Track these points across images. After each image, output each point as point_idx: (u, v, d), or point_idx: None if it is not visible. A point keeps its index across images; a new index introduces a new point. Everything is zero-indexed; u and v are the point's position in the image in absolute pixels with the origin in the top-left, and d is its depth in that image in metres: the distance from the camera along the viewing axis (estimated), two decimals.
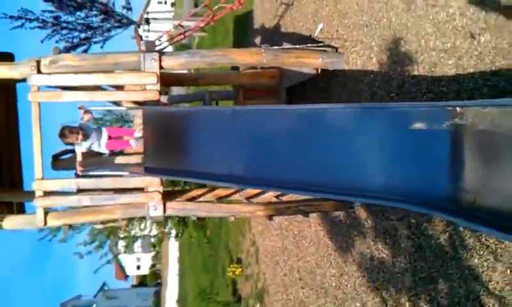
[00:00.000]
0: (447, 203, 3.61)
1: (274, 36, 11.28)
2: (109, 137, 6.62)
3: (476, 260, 4.46)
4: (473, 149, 3.56)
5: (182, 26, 10.48)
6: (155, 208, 6.43)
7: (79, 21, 17.14)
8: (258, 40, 13.59)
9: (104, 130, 6.68)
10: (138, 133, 6.79)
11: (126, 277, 78.37)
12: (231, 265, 14.90)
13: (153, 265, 75.14)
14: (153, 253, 73.37)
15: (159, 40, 8.08)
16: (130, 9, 19.37)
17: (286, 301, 10.03)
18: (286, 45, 9.80)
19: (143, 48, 6.50)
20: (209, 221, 19.68)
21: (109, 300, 65.93)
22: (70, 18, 17.05)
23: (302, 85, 8.28)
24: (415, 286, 5.43)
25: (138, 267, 78.01)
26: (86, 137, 6.30)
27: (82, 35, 17.15)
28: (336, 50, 7.22)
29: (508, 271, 4.10)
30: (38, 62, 6.19)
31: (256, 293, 12.56)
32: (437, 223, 5.06)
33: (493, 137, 3.37)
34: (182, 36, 8.93)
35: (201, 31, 20.74)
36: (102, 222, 7.39)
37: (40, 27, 16.09)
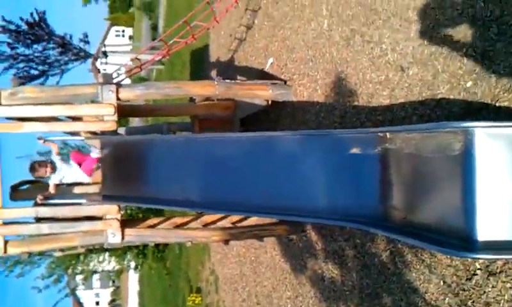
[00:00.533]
0: (380, 220, 4.01)
1: (228, 69, 11.72)
2: (79, 164, 6.84)
3: (414, 274, 4.85)
4: (402, 171, 3.99)
5: (138, 59, 10.79)
6: (114, 235, 6.62)
7: (36, 54, 17.27)
8: (213, 73, 14.00)
9: (70, 160, 6.89)
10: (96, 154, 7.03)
11: None
12: (191, 295, 15.01)
13: (112, 300, 73.58)
14: (112, 288, 72.04)
15: (117, 73, 8.34)
16: (87, 42, 19.61)
17: None
18: (239, 78, 10.25)
19: (101, 80, 6.78)
20: (169, 252, 19.78)
21: None
22: (27, 51, 17.15)
23: (255, 115, 8.67)
24: (362, 302, 5.79)
25: (97, 303, 76.19)
26: (54, 170, 6.55)
27: (40, 68, 17.25)
28: (285, 83, 7.67)
29: (441, 282, 4.49)
30: None
31: None
32: (379, 242, 5.46)
33: (417, 159, 3.79)
34: (139, 69, 9.21)
35: (159, 63, 21.08)
36: (61, 250, 7.50)
37: None
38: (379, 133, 4.12)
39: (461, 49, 4.16)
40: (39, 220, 6.76)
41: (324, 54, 6.63)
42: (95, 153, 7.02)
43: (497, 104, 3.77)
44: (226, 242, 7.23)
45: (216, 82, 7.10)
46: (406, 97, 4.93)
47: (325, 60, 6.62)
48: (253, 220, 7.46)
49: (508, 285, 3.69)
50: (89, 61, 19.02)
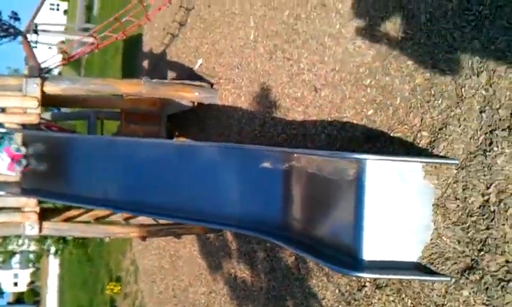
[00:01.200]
0: (281, 231, 4.36)
1: (160, 63, 11.80)
2: (13, 159, 6.74)
3: (314, 281, 5.24)
4: (305, 188, 4.33)
5: (66, 53, 10.68)
6: (32, 228, 6.65)
7: None
8: (145, 63, 14.04)
9: (2, 152, 6.77)
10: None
11: (2, 294, 73.77)
12: (110, 283, 15.03)
13: (31, 282, 71.48)
14: (32, 270, 69.90)
15: (45, 61, 8.25)
16: (17, 19, 18.95)
17: None
18: (170, 73, 10.38)
19: (26, 72, 6.76)
20: (90, 240, 19.57)
21: None
22: None
23: (182, 113, 8.86)
24: (268, 303, 6.15)
25: (15, 284, 73.71)
26: None
27: None
28: (212, 86, 7.90)
29: (337, 290, 4.89)
30: None
31: None
32: (287, 249, 5.81)
33: (318, 179, 4.14)
34: (66, 61, 9.17)
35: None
36: None
37: None
38: (289, 153, 4.45)
39: (365, 79, 4.54)
40: None
41: (249, 63, 6.90)
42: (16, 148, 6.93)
43: (392, 134, 4.17)
44: (144, 238, 7.40)
45: (143, 82, 7.23)
46: (317, 115, 5.28)
47: (250, 69, 6.89)
48: None
49: (391, 298, 4.11)
50: (19, 38, 18.38)
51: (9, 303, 74.96)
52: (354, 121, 4.68)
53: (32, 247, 20.18)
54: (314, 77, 5.38)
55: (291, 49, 5.87)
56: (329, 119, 5.08)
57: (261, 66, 6.57)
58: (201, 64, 8.68)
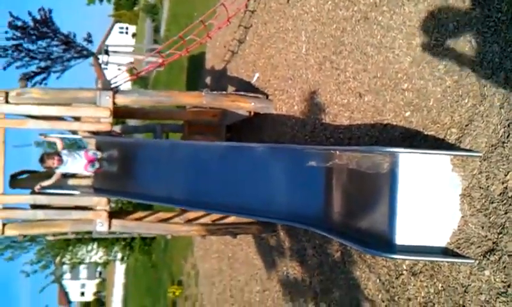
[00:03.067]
0: (325, 223, 4.82)
1: (221, 78, 12.51)
2: (89, 161, 7.52)
3: (358, 272, 5.64)
4: (346, 183, 4.78)
5: (135, 68, 11.56)
6: (102, 225, 7.38)
7: (40, 50, 17.90)
8: (208, 80, 14.81)
9: (82, 155, 7.55)
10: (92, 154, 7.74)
11: (69, 303, 76.82)
12: (172, 287, 15.77)
13: (97, 292, 74.09)
14: (98, 280, 72.47)
15: (115, 78, 9.07)
16: (91, 41, 20.28)
17: None
18: (230, 87, 11.05)
19: (100, 86, 7.54)
20: (155, 247, 20.51)
21: None
22: (31, 47, 17.79)
23: (240, 123, 9.48)
24: (316, 296, 6.58)
25: (82, 294, 76.67)
26: (61, 162, 7.25)
27: (42, 64, 17.88)
28: (267, 97, 8.46)
29: (377, 280, 5.27)
30: (7, 94, 7.09)
31: None
32: (333, 244, 6.24)
33: (357, 174, 4.59)
34: (135, 77, 9.99)
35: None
36: (53, 235, 8.24)
37: (0, 56, 16.75)
38: (331, 151, 4.93)
39: (403, 84, 4.95)
40: (35, 207, 7.50)
41: (301, 74, 7.42)
42: (93, 152, 7.69)
43: (426, 132, 4.57)
44: (203, 236, 7.99)
45: (203, 93, 7.88)
46: (361, 120, 5.72)
47: (302, 80, 7.40)
48: (231, 219, 8.21)
49: (424, 283, 4.48)
50: (91, 59, 19.64)
51: None
52: (394, 123, 5.09)
53: (100, 254, 21.22)
54: (359, 85, 5.82)
55: (338, 60, 6.35)
56: (371, 122, 5.51)
57: (312, 76, 7.07)
58: (258, 77, 9.27)
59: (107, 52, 22.91)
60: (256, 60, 9.56)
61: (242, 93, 8.52)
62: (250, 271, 9.28)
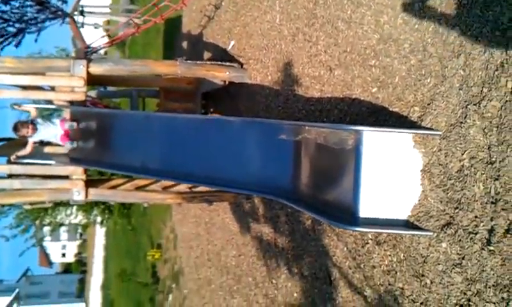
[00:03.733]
0: (293, 195, 5.00)
1: (197, 43, 12.48)
2: (65, 134, 7.57)
3: (327, 240, 5.86)
4: (314, 157, 4.95)
5: (109, 36, 11.47)
6: (79, 194, 7.48)
7: (13, 11, 17.52)
8: (184, 44, 14.74)
9: (57, 123, 7.59)
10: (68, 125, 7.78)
11: (50, 264, 77.35)
12: (151, 250, 16.03)
13: (78, 253, 74.56)
14: (79, 241, 72.82)
15: (93, 43, 9.04)
16: (65, 1, 19.88)
17: (197, 280, 11.31)
18: (205, 53, 11.05)
19: (74, 55, 7.53)
20: (134, 210, 20.66)
21: (32, 286, 64.73)
22: (4, 8, 17.40)
23: (215, 91, 9.55)
24: (288, 262, 6.82)
25: (63, 255, 77.16)
26: (35, 130, 7.30)
27: (17, 25, 17.52)
28: (242, 66, 8.52)
29: (345, 248, 5.49)
30: None
31: (172, 274, 13.78)
32: (304, 213, 6.44)
33: (325, 149, 4.75)
34: (110, 44, 9.94)
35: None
36: (31, 204, 8.32)
37: None
38: (301, 126, 5.08)
39: (371, 60, 5.08)
40: (11, 176, 7.56)
41: (275, 44, 7.48)
42: (69, 125, 7.72)
43: (391, 109, 4.72)
44: (179, 204, 8.15)
45: (178, 63, 7.91)
46: (331, 93, 5.85)
47: (276, 50, 7.47)
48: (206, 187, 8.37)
49: (388, 253, 4.70)
50: (67, 19, 19.29)
51: (57, 273, 78.49)
52: (362, 98, 5.23)
53: (79, 218, 21.32)
54: (329, 58, 5.94)
55: (310, 32, 6.43)
56: (341, 96, 5.64)
57: (285, 47, 7.15)
58: (233, 45, 9.29)
59: (82, 13, 22.54)
60: (232, 27, 9.57)
61: (217, 62, 8.57)
62: (226, 236, 9.50)
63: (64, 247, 76.81)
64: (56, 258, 77.82)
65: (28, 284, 65.07)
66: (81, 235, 71.26)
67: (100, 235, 42.09)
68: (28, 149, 7.40)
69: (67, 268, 79.19)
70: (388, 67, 4.79)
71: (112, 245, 33.08)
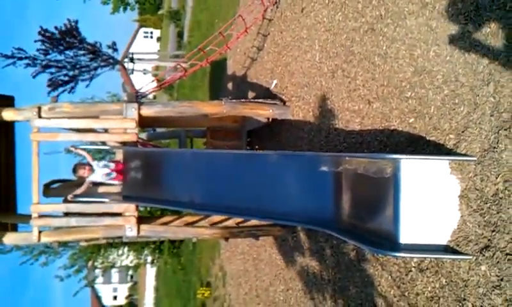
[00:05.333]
0: (336, 225, 5.17)
1: (241, 84, 12.92)
2: (117, 171, 8.03)
3: (371, 270, 5.96)
4: (355, 187, 5.12)
5: (158, 80, 12.08)
6: (131, 230, 7.82)
7: (67, 60, 18.57)
8: (229, 85, 15.24)
9: (110, 164, 8.08)
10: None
11: None
12: (200, 288, 16.24)
13: (129, 295, 75.31)
14: (130, 283, 73.66)
15: (142, 88, 9.56)
16: (116, 49, 20.92)
17: None
18: (250, 93, 11.43)
19: (125, 98, 8.01)
20: (183, 249, 21.01)
21: None
22: (59, 57, 18.46)
23: (260, 129, 9.88)
24: (334, 293, 6.91)
25: (115, 298, 78.04)
26: (92, 171, 7.79)
27: (70, 73, 18.54)
28: (284, 104, 8.82)
29: (389, 277, 5.59)
30: (39, 109, 7.60)
31: None
32: (349, 244, 6.57)
33: (365, 178, 4.92)
34: (159, 88, 10.47)
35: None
36: (86, 241, 8.72)
37: (30, 65, 17.48)
38: (341, 157, 5.28)
39: (407, 92, 5.27)
40: (68, 214, 8.00)
41: (316, 82, 7.76)
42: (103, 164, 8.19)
43: (428, 138, 4.88)
44: (227, 239, 8.40)
45: (223, 102, 8.28)
46: (371, 125, 6.04)
47: (316, 87, 7.74)
48: (253, 222, 8.59)
49: (430, 279, 4.79)
50: (117, 66, 20.24)
51: None
52: (400, 128, 5.40)
53: (130, 258, 21.81)
54: (368, 92, 6.15)
55: (349, 68, 6.68)
56: (380, 128, 5.83)
57: (325, 83, 7.41)
58: (276, 84, 9.63)
59: (132, 60, 23.60)
60: (274, 67, 9.93)
61: (260, 100, 8.90)
62: (274, 271, 9.64)
63: (115, 289, 77.80)
64: (107, 300, 78.79)
65: None
66: (132, 277, 72.20)
67: (150, 276, 42.67)
68: (84, 187, 7.84)
69: None
70: (423, 98, 4.97)
71: (163, 285, 33.46)
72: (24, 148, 8.60)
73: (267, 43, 10.67)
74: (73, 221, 7.94)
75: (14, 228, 8.86)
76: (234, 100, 8.61)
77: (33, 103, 7.76)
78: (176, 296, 24.20)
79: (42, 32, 17.27)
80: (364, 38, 6.29)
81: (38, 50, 17.31)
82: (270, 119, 8.93)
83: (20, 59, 17.48)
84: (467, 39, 4.33)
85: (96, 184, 8.59)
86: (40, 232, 7.85)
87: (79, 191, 7.83)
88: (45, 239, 7.97)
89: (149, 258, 21.90)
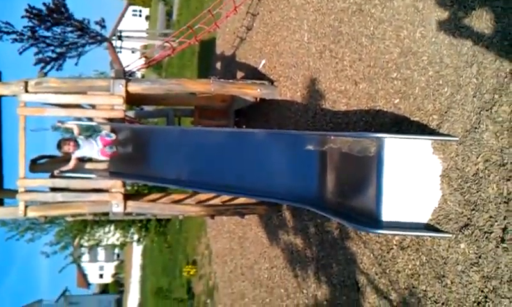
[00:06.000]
0: (320, 202, 5.25)
1: (230, 63, 12.91)
2: (105, 144, 8.01)
3: (354, 248, 6.07)
4: (339, 166, 5.20)
5: (147, 57, 12.02)
6: (117, 206, 7.86)
7: (55, 36, 18.37)
8: (218, 65, 15.22)
9: (98, 140, 8.04)
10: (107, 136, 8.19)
11: (88, 285, 78.59)
12: (186, 266, 16.38)
13: (115, 274, 75.56)
14: (116, 262, 73.84)
15: (129, 65, 9.54)
16: (104, 26, 20.70)
17: (231, 294, 11.56)
18: (238, 72, 11.44)
19: (113, 75, 8.00)
20: (170, 228, 21.09)
21: (70, 306, 65.94)
22: (47, 33, 18.25)
23: (248, 108, 9.91)
24: (317, 271, 7.03)
25: (101, 276, 78.31)
26: (77, 146, 7.76)
27: (58, 50, 18.36)
28: (272, 83, 8.85)
29: (371, 255, 5.69)
30: (26, 83, 7.56)
31: (207, 290, 14.07)
32: (333, 222, 6.67)
33: (349, 157, 4.99)
34: (147, 66, 10.44)
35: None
36: (72, 216, 8.75)
37: (17, 40, 17.27)
38: (325, 136, 5.35)
39: (392, 73, 5.33)
40: (54, 190, 8.00)
41: (304, 62, 7.79)
42: (106, 133, 8.17)
43: (412, 118, 4.95)
44: (212, 216, 8.47)
45: (211, 81, 8.29)
46: (357, 106, 6.10)
47: (304, 67, 7.77)
48: (238, 200, 8.66)
49: (411, 256, 4.89)
50: (105, 44, 20.04)
51: (95, 294, 79.70)
52: (385, 109, 5.47)
53: (117, 236, 21.87)
54: (354, 73, 6.20)
55: (337, 49, 6.72)
56: (366, 108, 5.89)
57: (313, 64, 7.45)
58: (264, 64, 9.65)
59: (120, 38, 23.40)
60: (263, 47, 9.94)
61: (248, 80, 8.92)
62: (259, 249, 9.75)
63: (101, 268, 78.04)
64: (93, 279, 79.09)
65: (66, 304, 66.24)
66: (118, 255, 72.37)
67: (136, 255, 42.80)
68: (71, 164, 7.84)
69: (104, 289, 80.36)
70: (408, 79, 5.03)
71: (149, 264, 33.62)
72: (10, 123, 8.58)
73: (256, 23, 10.67)
74: (59, 196, 7.95)
75: (0, 203, 8.85)
76: (222, 80, 8.62)
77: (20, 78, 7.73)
78: (162, 274, 24.34)
79: (29, 10, 17.06)
80: (352, 19, 6.32)
81: (24, 27, 17.11)
82: (258, 99, 8.97)
83: (8, 33, 17.28)
84: (452, 21, 4.39)
85: (83, 160, 8.60)
86: (26, 207, 7.86)
87: (65, 167, 7.83)
88: (31, 214, 7.98)
89: (135, 236, 21.99)
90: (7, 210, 8.20)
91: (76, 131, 8.01)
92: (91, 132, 15.67)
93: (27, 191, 7.84)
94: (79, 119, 8.43)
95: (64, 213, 8.39)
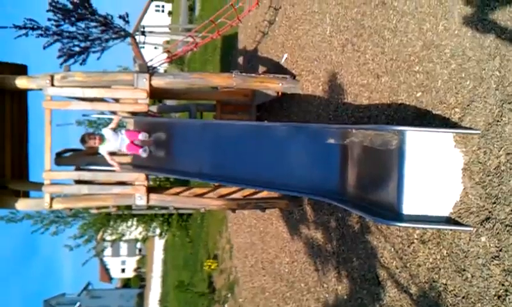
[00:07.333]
0: (341, 196, 5.26)
1: (252, 58, 12.94)
2: (131, 142, 8.10)
3: (375, 242, 6.06)
4: (360, 159, 5.20)
5: (169, 51, 12.12)
6: (141, 198, 7.98)
7: (79, 31, 18.61)
8: (240, 59, 15.24)
9: (123, 134, 8.13)
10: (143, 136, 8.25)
11: (110, 279, 79.55)
12: (207, 261, 16.49)
13: (137, 268, 76.30)
14: (138, 257, 74.58)
15: (152, 60, 9.62)
16: (127, 22, 20.88)
17: (251, 289, 11.62)
18: (260, 68, 11.47)
19: (137, 69, 8.10)
20: (191, 223, 21.24)
21: (92, 300, 66.90)
22: (71, 28, 18.50)
23: (269, 103, 9.94)
24: (338, 265, 7.04)
25: (123, 270, 79.14)
26: (102, 141, 7.86)
27: (82, 44, 18.59)
28: (294, 78, 8.86)
29: (392, 249, 5.69)
30: (52, 77, 7.71)
31: (228, 284, 14.15)
32: (354, 216, 6.67)
33: (371, 150, 5.00)
34: (170, 60, 10.52)
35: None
36: (97, 208, 8.89)
37: (42, 36, 17.53)
38: (347, 129, 5.35)
39: (415, 66, 5.31)
40: (79, 182, 8.14)
41: (326, 56, 7.79)
42: (141, 136, 8.23)
43: (434, 111, 4.93)
44: (234, 210, 8.53)
45: (233, 75, 8.34)
46: (379, 100, 6.09)
47: (326, 61, 7.77)
48: (260, 194, 8.71)
49: (432, 250, 4.88)
50: (128, 39, 20.21)
51: (117, 288, 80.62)
52: (407, 102, 5.45)
53: (139, 230, 22.11)
54: (377, 66, 6.19)
55: (359, 42, 6.71)
56: (388, 102, 5.88)
57: (335, 58, 7.44)
58: (286, 58, 9.67)
59: (143, 33, 23.56)
60: (285, 41, 9.95)
61: (270, 74, 8.94)
62: (280, 244, 9.79)
63: (123, 262, 78.87)
64: (115, 273, 79.99)
65: (89, 298, 67.24)
66: (140, 250, 73.09)
67: (158, 250, 43.15)
68: (115, 164, 7.95)
69: (126, 283, 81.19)
70: (431, 72, 5.01)
71: (171, 258, 33.89)
72: (36, 117, 8.73)
73: (279, 17, 10.68)
74: (84, 189, 8.10)
75: (26, 195, 9.00)
76: (244, 74, 8.65)
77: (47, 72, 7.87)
78: (183, 268, 24.52)
79: (53, 4, 17.29)
80: (375, 12, 6.30)
81: (49, 19, 17.35)
82: (280, 94, 8.99)
83: (32, 29, 17.54)
84: (475, 13, 4.36)
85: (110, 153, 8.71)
86: (51, 199, 8.01)
87: (116, 164, 7.94)
88: (56, 206, 8.13)
89: (157, 231, 22.20)
90: (33, 202, 8.37)
91: (114, 124, 8.09)
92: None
93: (53, 184, 7.98)
94: (102, 112, 8.54)
95: (89, 205, 8.53)
